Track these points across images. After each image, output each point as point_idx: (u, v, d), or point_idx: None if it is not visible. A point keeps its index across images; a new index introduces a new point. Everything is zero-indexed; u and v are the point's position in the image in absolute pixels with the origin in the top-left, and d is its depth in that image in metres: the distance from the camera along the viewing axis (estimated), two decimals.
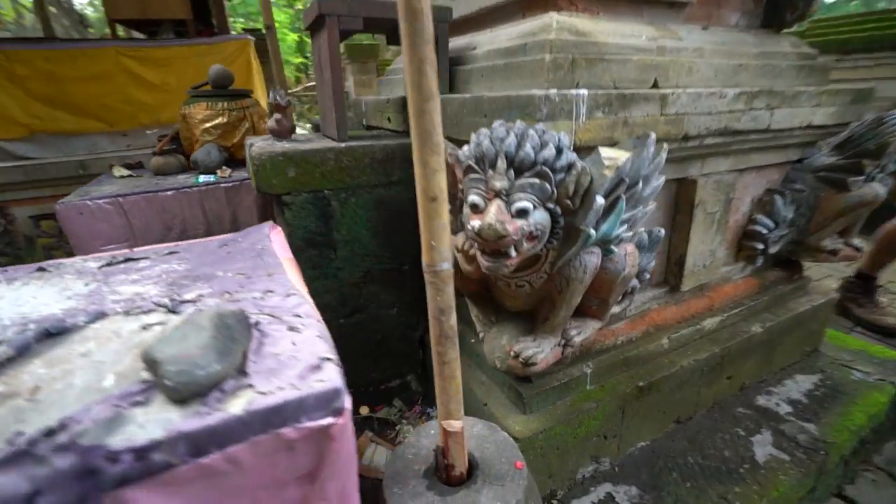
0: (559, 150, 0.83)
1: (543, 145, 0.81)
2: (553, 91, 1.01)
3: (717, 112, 1.32)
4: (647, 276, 1.41)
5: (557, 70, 1.14)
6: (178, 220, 1.90)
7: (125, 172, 2.21)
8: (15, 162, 3.26)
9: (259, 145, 1.44)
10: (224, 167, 2.10)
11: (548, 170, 0.80)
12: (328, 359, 0.62)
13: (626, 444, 1.50)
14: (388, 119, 1.90)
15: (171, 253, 1.06)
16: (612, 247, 1.02)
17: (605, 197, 0.88)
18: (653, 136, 0.97)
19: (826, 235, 1.80)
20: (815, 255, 1.85)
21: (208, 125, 2.19)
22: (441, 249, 0.78)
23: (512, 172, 0.81)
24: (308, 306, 0.77)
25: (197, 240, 1.15)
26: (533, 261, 0.97)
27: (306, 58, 14.98)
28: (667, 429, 1.61)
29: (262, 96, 3.92)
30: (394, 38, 1.65)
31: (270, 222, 1.21)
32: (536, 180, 0.80)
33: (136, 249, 1.10)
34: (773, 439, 1.57)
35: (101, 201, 1.77)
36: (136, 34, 4.33)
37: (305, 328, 0.70)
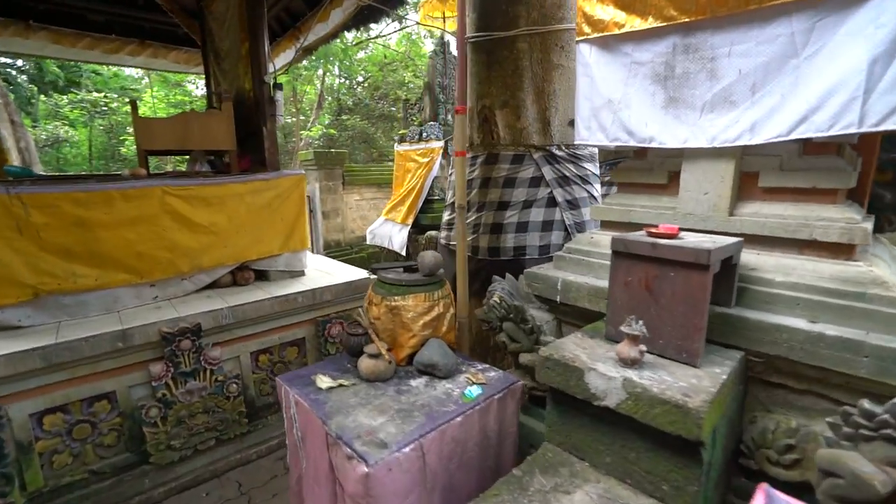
0: None
1: None
2: None
3: None
4: None
5: None
6: (459, 449, 1.67)
7: (331, 384, 1.85)
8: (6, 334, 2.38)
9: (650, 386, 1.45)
10: (471, 368, 1.93)
11: None
12: None
13: None
14: None
15: None
16: None
17: None
18: None
19: None
20: None
21: (427, 318, 2.00)
22: None
23: None
24: None
25: None
26: None
27: None
28: None
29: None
30: None
31: None
32: None
33: None
34: None
35: (406, 449, 1.49)
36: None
37: None
